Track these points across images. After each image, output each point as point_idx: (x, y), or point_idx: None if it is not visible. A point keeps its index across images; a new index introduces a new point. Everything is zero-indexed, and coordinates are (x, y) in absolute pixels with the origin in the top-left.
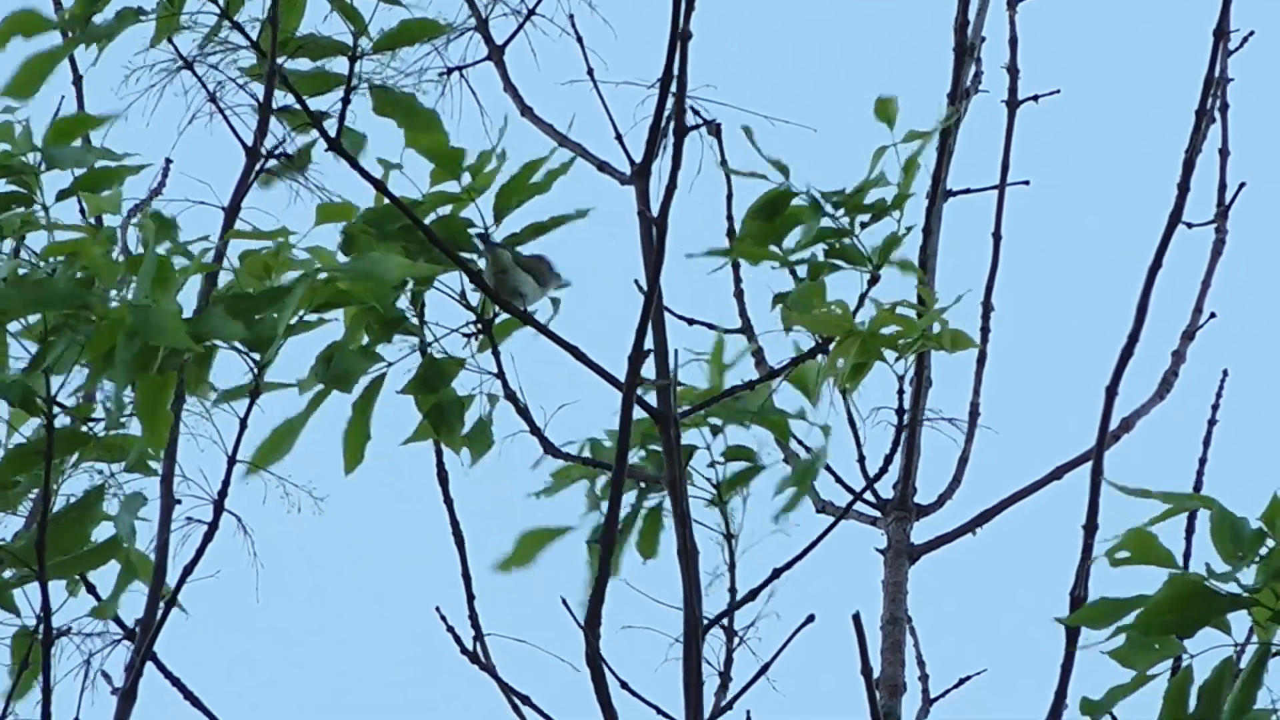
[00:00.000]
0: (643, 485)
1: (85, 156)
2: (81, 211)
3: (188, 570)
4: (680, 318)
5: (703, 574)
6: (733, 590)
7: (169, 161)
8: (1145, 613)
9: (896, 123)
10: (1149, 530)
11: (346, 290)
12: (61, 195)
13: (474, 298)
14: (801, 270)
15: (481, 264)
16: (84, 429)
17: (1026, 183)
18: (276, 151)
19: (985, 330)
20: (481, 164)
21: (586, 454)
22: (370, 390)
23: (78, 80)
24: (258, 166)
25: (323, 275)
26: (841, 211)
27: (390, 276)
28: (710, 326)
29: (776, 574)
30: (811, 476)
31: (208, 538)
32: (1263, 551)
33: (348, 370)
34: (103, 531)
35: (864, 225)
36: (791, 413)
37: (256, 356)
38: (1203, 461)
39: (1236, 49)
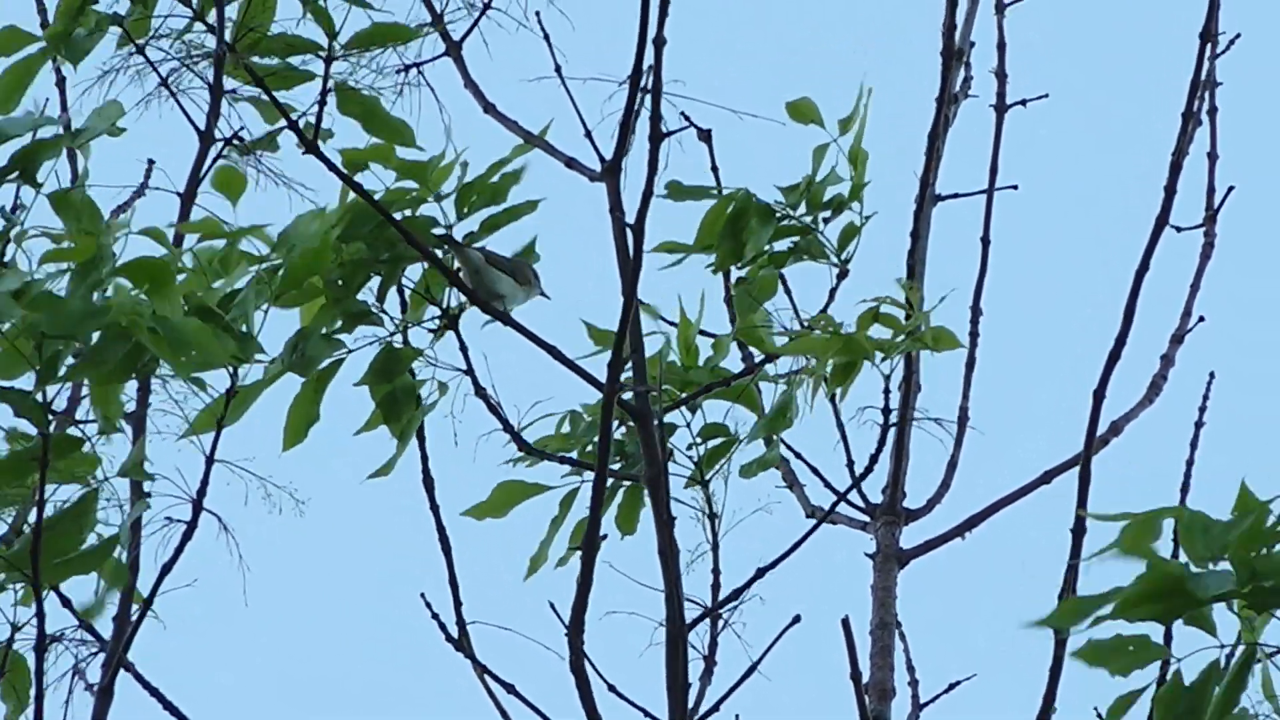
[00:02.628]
0: (622, 462)
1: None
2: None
3: (166, 569)
4: (670, 323)
5: (685, 553)
6: (716, 571)
7: (151, 162)
8: (1123, 602)
9: (826, 121)
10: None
11: (295, 272)
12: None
13: (438, 292)
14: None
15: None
16: (77, 435)
17: (1015, 187)
18: (232, 137)
19: (974, 335)
20: (437, 163)
21: (566, 427)
22: (325, 373)
23: (61, 82)
24: (214, 151)
25: (269, 264)
26: (803, 209)
27: (311, 234)
28: (702, 333)
29: (760, 573)
30: (782, 425)
31: (186, 537)
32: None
33: (312, 356)
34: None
35: (826, 221)
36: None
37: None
38: (1190, 464)
39: (1223, 51)
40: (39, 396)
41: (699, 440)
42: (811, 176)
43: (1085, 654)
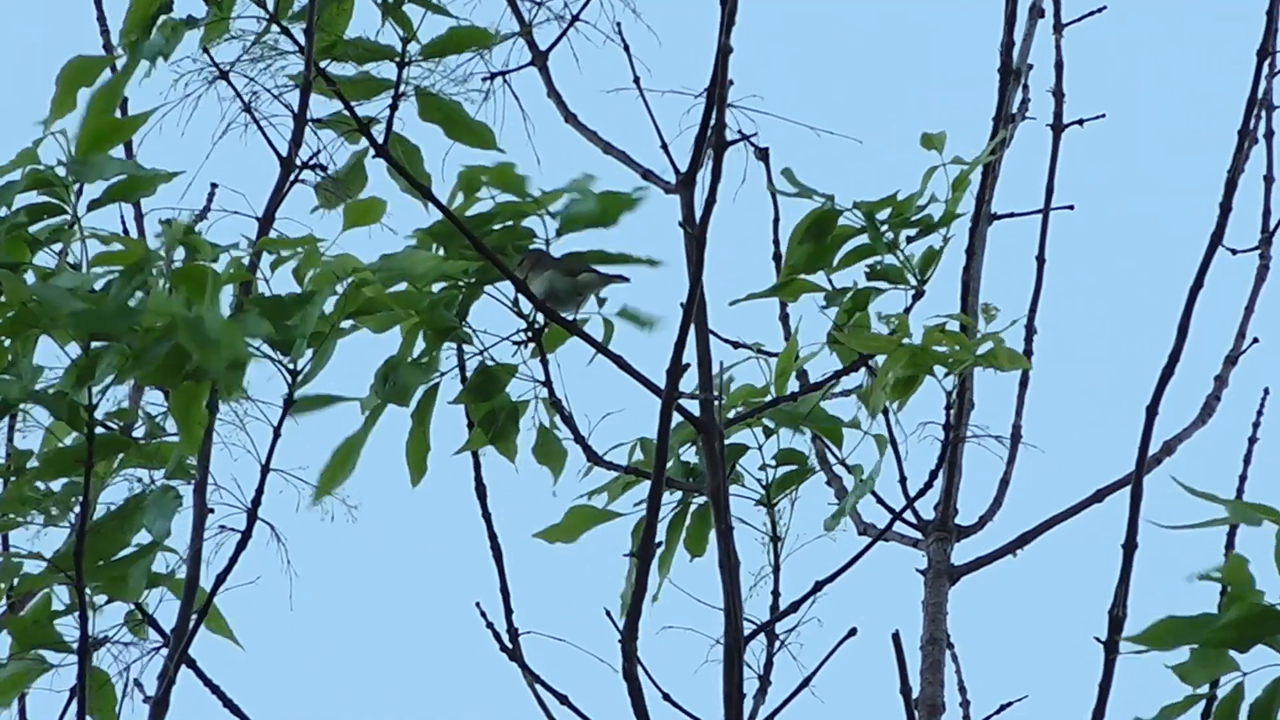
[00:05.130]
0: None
1: (109, 167)
2: (123, 223)
3: (221, 578)
4: (726, 341)
5: (747, 575)
6: (776, 594)
7: (214, 186)
8: (1216, 630)
9: (945, 149)
10: (1243, 556)
11: (379, 298)
12: (93, 205)
13: (525, 305)
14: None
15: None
16: (125, 436)
17: (1071, 207)
18: (311, 162)
19: (1028, 353)
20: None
21: (638, 453)
22: (426, 400)
23: (123, 105)
24: (292, 176)
25: (349, 279)
26: (887, 226)
27: (420, 272)
28: (758, 351)
29: (819, 586)
30: (865, 491)
31: (241, 545)
32: None
33: (405, 384)
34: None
35: (910, 240)
36: (844, 420)
37: (291, 365)
38: (1243, 479)
39: None
40: (80, 398)
41: (771, 464)
42: (920, 194)
43: (1182, 670)
